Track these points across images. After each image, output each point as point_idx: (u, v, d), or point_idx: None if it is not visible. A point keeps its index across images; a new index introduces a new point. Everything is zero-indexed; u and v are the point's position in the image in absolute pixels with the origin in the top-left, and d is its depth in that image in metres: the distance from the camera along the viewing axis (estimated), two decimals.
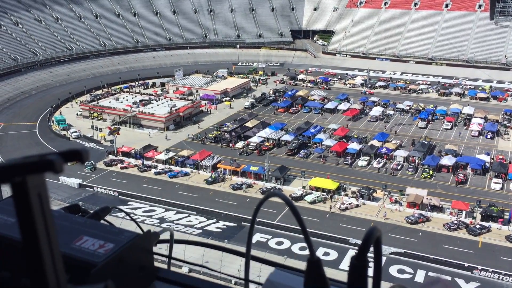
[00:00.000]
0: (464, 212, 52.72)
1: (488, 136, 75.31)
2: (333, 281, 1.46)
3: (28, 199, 0.70)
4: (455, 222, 51.56)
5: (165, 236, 2.20)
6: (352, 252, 45.44)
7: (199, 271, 42.52)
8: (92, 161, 63.75)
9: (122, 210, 2.53)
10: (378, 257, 1.33)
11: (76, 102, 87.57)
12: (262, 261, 1.95)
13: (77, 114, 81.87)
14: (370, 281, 1.37)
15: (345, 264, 43.91)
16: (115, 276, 1.58)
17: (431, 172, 62.55)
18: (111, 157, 66.64)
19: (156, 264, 1.88)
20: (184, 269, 42.50)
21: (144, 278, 1.76)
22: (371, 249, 1.34)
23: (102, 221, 2.13)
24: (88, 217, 2.05)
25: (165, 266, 2.13)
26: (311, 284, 1.33)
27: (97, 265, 1.54)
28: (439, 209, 54.00)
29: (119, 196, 57.42)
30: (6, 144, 71.12)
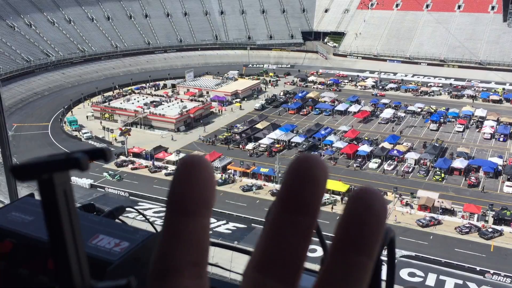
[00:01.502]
0: (476, 216, 52.25)
1: (501, 139, 74.55)
2: None
3: (55, 196, 0.72)
4: (467, 225, 51.10)
5: None
6: None
7: (208, 271, 42.69)
8: (119, 175, 63.09)
9: (136, 210, 2.57)
10: (391, 258, 1.31)
11: (88, 104, 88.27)
12: None
13: (87, 116, 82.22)
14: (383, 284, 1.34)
15: None
16: (130, 274, 1.58)
17: (442, 175, 62.07)
18: (122, 158, 67.06)
19: None
20: None
21: None
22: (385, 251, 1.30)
23: (116, 220, 2.16)
24: (103, 216, 2.08)
25: None
26: None
27: (113, 263, 1.56)
28: (451, 212, 53.57)
29: (130, 197, 57.76)
30: (19, 145, 71.88)
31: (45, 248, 1.60)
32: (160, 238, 0.69)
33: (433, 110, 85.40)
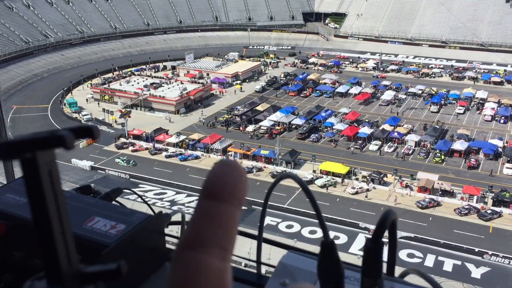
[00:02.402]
0: (475, 197, 52.45)
1: (501, 121, 74.42)
2: (347, 264, 1.43)
3: (38, 176, 0.68)
4: (466, 207, 51.35)
5: (177, 217, 2.20)
6: (362, 236, 45.72)
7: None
8: (134, 161, 62.05)
9: (134, 192, 2.53)
10: (393, 240, 1.31)
11: (88, 86, 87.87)
12: (274, 243, 1.94)
13: (87, 99, 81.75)
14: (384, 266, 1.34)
15: (355, 247, 44.08)
16: (127, 257, 1.57)
17: (442, 157, 62.14)
18: (122, 140, 67.06)
19: (168, 246, 1.88)
20: None
21: (156, 259, 1.76)
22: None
23: (113, 203, 2.12)
24: (99, 198, 2.04)
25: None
26: (325, 267, 1.31)
27: (109, 246, 1.54)
28: (450, 194, 53.77)
29: (130, 179, 57.91)
30: (19, 127, 71.82)
31: None
32: (193, 217, 0.74)
33: (434, 92, 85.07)
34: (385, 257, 1.30)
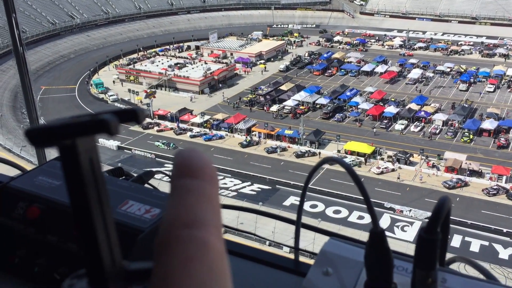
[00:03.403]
0: (504, 177, 51.38)
1: None
2: (397, 253, 1.37)
3: (79, 166, 0.63)
4: (495, 187, 50.38)
5: None
6: (387, 216, 45.46)
7: (234, 232, 43.52)
8: (174, 144, 61.21)
9: (166, 175, 2.49)
10: (446, 230, 1.25)
11: (113, 66, 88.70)
12: (313, 229, 1.87)
13: (113, 81, 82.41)
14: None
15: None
16: None
17: (471, 136, 60.86)
18: (148, 120, 67.78)
19: None
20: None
21: None
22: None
23: (146, 185, 2.06)
24: (132, 181, 1.96)
25: None
26: (373, 257, 1.26)
27: (144, 231, 1.49)
28: (479, 174, 52.79)
29: (156, 159, 58.68)
30: (48, 107, 73.24)
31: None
32: (177, 194, 0.67)
33: (463, 70, 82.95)
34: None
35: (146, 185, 2.07)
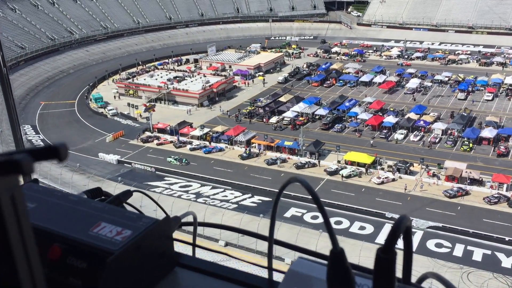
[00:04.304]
0: (505, 185, 51.29)
1: None
2: (361, 270, 1.37)
3: None
4: (496, 195, 50.27)
5: (189, 220, 2.16)
6: (388, 226, 45.25)
7: (236, 244, 43.28)
8: (186, 159, 60.38)
9: (145, 194, 2.45)
10: (408, 246, 1.24)
11: (113, 81, 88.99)
12: (286, 245, 1.86)
13: (114, 96, 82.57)
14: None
15: (381, 238, 43.71)
16: (133, 264, 1.55)
17: (470, 145, 60.88)
18: (147, 133, 67.85)
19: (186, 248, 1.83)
20: (221, 243, 43.38)
21: (164, 265, 1.72)
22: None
23: (126, 206, 2.08)
24: (109, 202, 2.00)
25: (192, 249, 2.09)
26: (334, 277, 1.26)
27: (114, 253, 1.49)
28: (479, 182, 52.71)
29: (156, 172, 58.60)
30: (47, 122, 73.39)
31: (45, 238, 1.53)
32: None
33: (461, 79, 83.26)
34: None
35: (126, 205, 2.07)
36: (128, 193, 2.12)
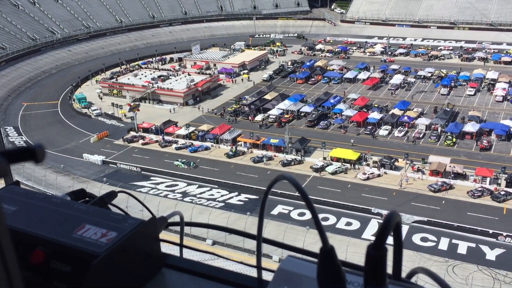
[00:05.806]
0: (488, 179, 52.05)
1: None
2: (351, 267, 1.38)
3: None
4: (479, 189, 51.00)
5: (175, 219, 2.14)
6: (374, 222, 45.63)
7: (223, 243, 43.25)
8: (194, 162, 58.89)
9: (130, 194, 2.42)
10: (398, 243, 1.25)
11: (96, 81, 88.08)
12: (275, 244, 1.86)
13: (99, 96, 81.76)
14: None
15: (368, 233, 44.06)
16: (119, 266, 1.53)
17: (454, 139, 61.65)
18: (132, 133, 67.35)
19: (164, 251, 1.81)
20: (208, 242, 43.32)
21: (151, 266, 1.70)
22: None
23: (111, 207, 2.04)
24: (93, 203, 1.96)
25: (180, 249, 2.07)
26: (325, 275, 1.27)
27: (99, 256, 1.47)
28: (463, 176, 53.39)
29: (142, 172, 58.23)
30: (30, 124, 72.42)
31: (27, 242, 1.51)
32: None
33: (443, 74, 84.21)
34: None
35: (111, 206, 2.04)
36: (112, 194, 2.07)
